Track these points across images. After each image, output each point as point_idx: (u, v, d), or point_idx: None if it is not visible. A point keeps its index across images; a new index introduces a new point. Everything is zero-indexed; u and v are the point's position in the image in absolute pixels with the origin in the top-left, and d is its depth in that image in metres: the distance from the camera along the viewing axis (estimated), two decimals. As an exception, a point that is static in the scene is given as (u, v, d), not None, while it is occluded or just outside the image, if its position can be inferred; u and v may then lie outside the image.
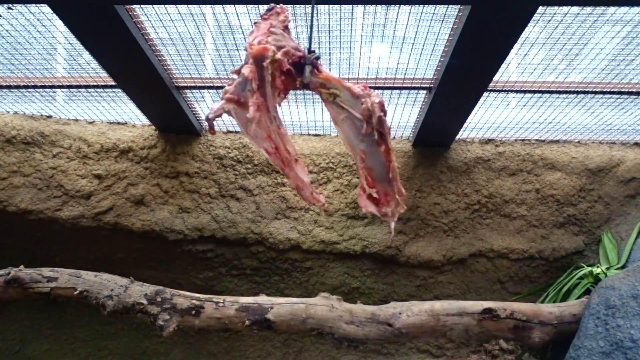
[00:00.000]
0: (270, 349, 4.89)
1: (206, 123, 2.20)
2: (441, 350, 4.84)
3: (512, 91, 3.98)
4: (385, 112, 2.17)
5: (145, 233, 4.56)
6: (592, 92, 4.02)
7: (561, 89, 3.95)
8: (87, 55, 3.61)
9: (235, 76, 2.05)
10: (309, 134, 4.81)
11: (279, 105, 2.15)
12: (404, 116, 4.42)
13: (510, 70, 3.79)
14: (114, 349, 4.99)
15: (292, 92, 2.19)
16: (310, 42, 2.16)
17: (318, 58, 2.11)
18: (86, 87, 4.09)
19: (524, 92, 3.98)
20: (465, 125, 4.36)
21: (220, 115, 2.01)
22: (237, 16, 3.29)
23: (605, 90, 3.98)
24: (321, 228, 4.67)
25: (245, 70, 1.99)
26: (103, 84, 4.03)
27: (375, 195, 2.36)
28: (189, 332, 4.92)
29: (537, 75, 3.90)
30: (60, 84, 4.09)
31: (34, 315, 5.00)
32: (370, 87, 4.22)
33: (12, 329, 5.00)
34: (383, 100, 2.18)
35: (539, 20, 3.22)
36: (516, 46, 3.33)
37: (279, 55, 2.00)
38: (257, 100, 2.00)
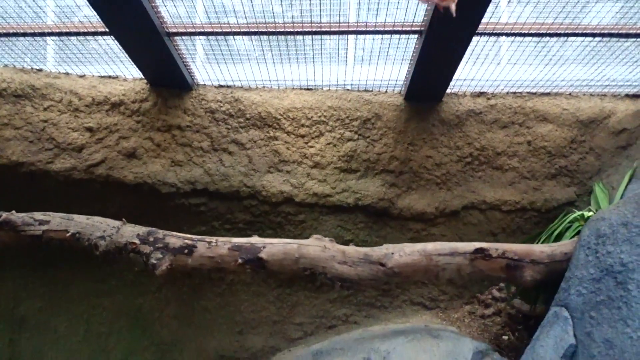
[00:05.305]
0: (264, 304, 4.89)
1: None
2: (434, 302, 4.85)
3: (502, 34, 3.99)
4: None
5: (137, 186, 4.55)
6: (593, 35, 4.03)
7: (551, 32, 3.96)
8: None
9: None
10: (300, 88, 4.79)
11: None
12: (394, 71, 4.43)
13: (500, 10, 3.81)
14: (108, 306, 4.98)
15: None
16: None
17: None
18: (77, 34, 4.06)
19: (515, 35, 3.99)
20: (456, 77, 4.37)
21: None
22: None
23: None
24: (314, 181, 4.67)
25: None
26: (94, 30, 4.01)
27: None
28: (183, 288, 4.92)
29: (527, 17, 3.90)
30: (51, 31, 4.07)
31: (27, 274, 4.99)
32: (362, 32, 4.17)
33: (6, 288, 4.99)
34: None
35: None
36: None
37: None
38: None
